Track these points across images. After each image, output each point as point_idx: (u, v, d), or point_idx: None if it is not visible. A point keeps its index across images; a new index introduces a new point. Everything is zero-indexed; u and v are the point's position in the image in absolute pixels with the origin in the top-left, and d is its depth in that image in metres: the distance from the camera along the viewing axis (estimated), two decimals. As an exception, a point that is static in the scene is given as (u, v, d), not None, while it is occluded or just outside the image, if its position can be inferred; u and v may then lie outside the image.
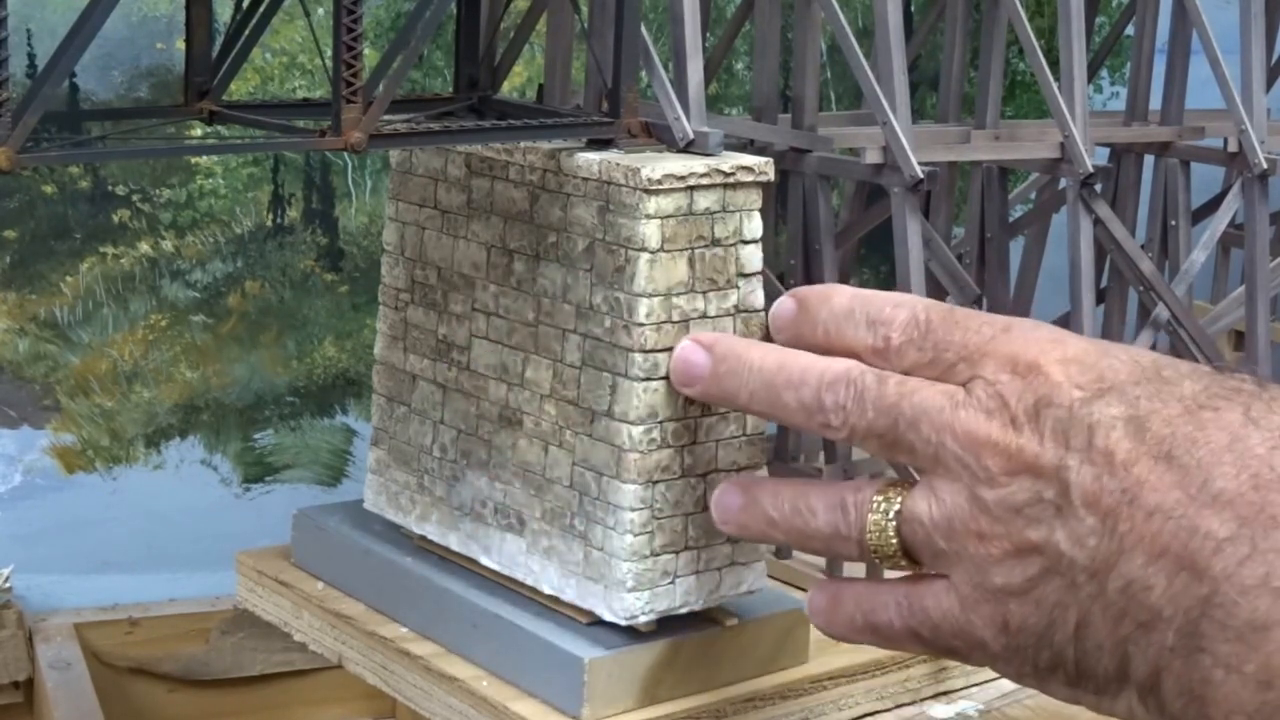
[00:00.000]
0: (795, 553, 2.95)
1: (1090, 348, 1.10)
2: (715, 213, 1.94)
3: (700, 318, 1.85)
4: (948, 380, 1.15)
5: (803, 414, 1.17)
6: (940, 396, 1.12)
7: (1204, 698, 0.96)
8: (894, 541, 1.12)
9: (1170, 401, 1.03)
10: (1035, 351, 1.10)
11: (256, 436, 3.53)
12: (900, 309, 1.20)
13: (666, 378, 1.78)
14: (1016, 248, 3.37)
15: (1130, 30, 3.26)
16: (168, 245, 3.40)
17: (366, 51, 1.76)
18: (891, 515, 1.13)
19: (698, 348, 1.25)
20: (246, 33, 2.00)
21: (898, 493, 1.15)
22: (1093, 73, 3.45)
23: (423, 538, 2.23)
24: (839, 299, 1.28)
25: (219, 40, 2.04)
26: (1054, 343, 1.12)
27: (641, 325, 1.81)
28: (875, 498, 1.14)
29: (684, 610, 1.96)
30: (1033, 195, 3.49)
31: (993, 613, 1.08)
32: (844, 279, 3.31)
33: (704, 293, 1.89)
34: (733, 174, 1.97)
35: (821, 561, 2.75)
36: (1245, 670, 0.93)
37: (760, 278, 1.99)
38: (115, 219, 3.34)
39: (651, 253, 1.87)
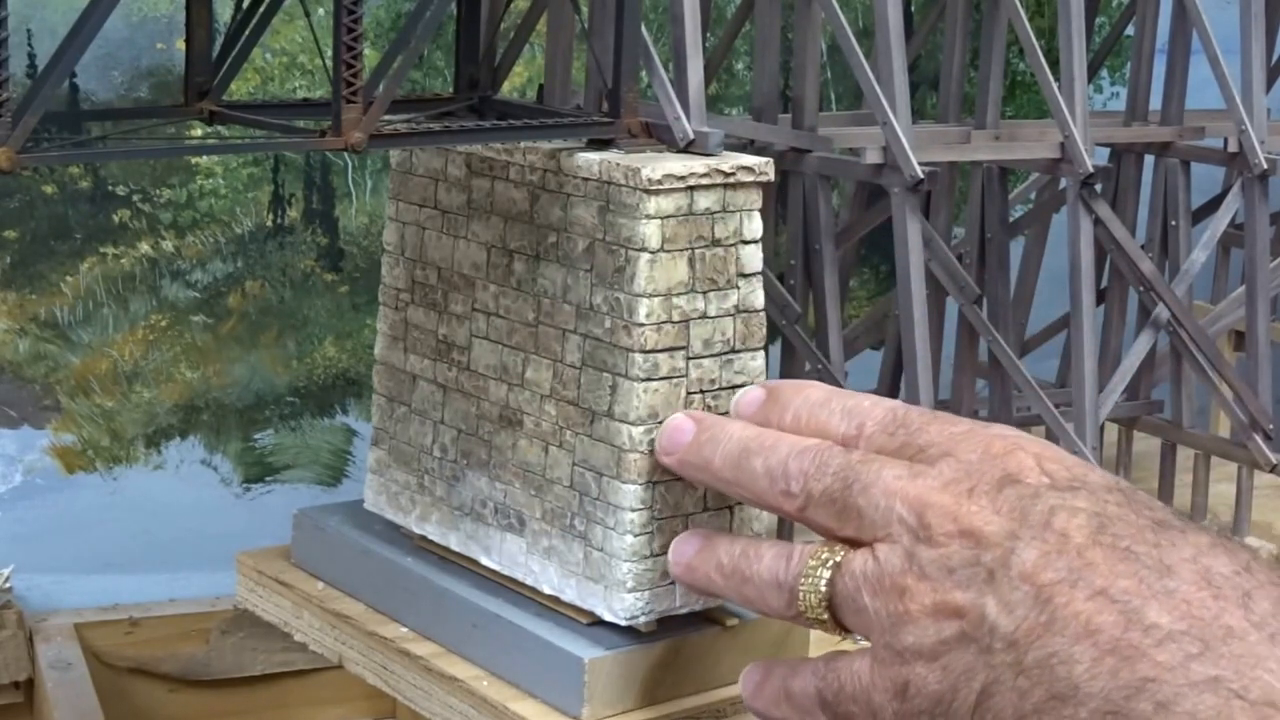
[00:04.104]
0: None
1: (1071, 457, 1.09)
2: (715, 213, 1.94)
3: (700, 318, 1.85)
4: (920, 463, 1.14)
5: (766, 479, 1.16)
6: (900, 467, 1.11)
7: None
8: (823, 590, 1.11)
9: (1141, 513, 1.01)
10: (1013, 441, 1.09)
11: (256, 436, 3.52)
12: (878, 406, 1.19)
13: (667, 378, 1.78)
14: (1016, 248, 3.37)
15: (1130, 30, 3.27)
16: (168, 245, 3.40)
17: (366, 51, 1.76)
18: (829, 564, 1.12)
19: (687, 419, 1.25)
20: (247, 33, 2.00)
21: (843, 549, 1.14)
22: (1093, 73, 3.45)
23: (423, 538, 2.23)
24: (815, 392, 1.28)
25: (219, 40, 2.04)
26: (1035, 441, 1.11)
27: (642, 325, 1.81)
28: (821, 550, 1.14)
29: (684, 610, 1.96)
30: (1033, 195, 3.49)
31: (895, 675, 1.06)
32: (844, 279, 3.31)
33: (704, 293, 1.89)
34: (733, 174, 1.97)
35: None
36: None
37: (760, 278, 1.99)
38: (115, 219, 3.34)
39: (652, 253, 1.87)
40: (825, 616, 1.14)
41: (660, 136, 2.07)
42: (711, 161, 1.98)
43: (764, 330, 2.34)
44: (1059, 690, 0.96)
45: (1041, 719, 0.99)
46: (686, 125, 2.09)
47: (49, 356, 3.29)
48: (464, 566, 2.16)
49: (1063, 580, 1.01)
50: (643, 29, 2.10)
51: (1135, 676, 0.96)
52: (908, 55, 2.75)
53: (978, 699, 1.01)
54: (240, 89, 3.26)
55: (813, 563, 1.15)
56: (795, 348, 2.66)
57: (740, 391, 1.27)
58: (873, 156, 2.55)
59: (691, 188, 1.93)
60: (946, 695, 1.04)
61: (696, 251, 1.91)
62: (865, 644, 1.13)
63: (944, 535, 1.05)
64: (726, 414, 1.48)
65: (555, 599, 2.03)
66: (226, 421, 3.42)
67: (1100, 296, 3.09)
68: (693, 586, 1.27)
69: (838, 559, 1.13)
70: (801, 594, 1.14)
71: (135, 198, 3.29)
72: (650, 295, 1.84)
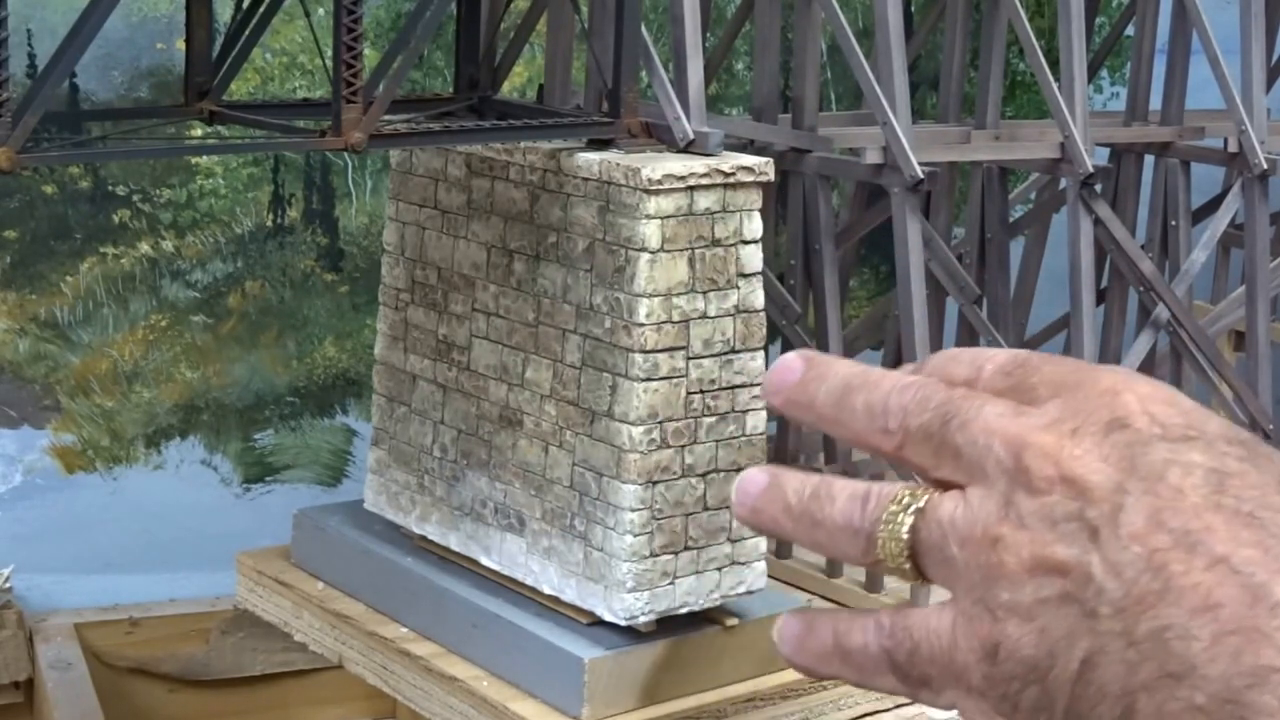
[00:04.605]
0: (795, 553, 2.95)
1: (1187, 400, 1.01)
2: (715, 213, 1.94)
3: (700, 318, 1.85)
4: (1028, 404, 1.06)
5: (866, 416, 1.08)
6: (1003, 405, 1.03)
7: None
8: (904, 539, 1.03)
9: (1265, 470, 0.95)
10: (1124, 380, 1.01)
11: (256, 436, 3.52)
12: (1006, 351, 1.08)
13: (667, 378, 1.77)
14: (1016, 248, 3.37)
15: (1130, 30, 3.27)
16: (168, 245, 3.40)
17: (366, 51, 1.76)
18: (911, 510, 1.04)
19: (798, 358, 1.12)
20: (247, 33, 2.00)
21: (926, 492, 1.06)
22: (1093, 73, 3.45)
23: (423, 538, 2.23)
24: (954, 350, 1.14)
25: (219, 40, 2.04)
26: (1148, 382, 1.02)
27: (642, 325, 1.81)
28: (902, 492, 1.05)
29: (684, 610, 1.96)
30: (1033, 195, 3.49)
31: (987, 634, 1.00)
32: (844, 279, 3.31)
33: (704, 293, 1.89)
34: (733, 174, 1.97)
35: (823, 563, 2.76)
36: None
37: (760, 278, 1.99)
38: (115, 219, 3.33)
39: (652, 253, 1.87)
40: (907, 566, 1.06)
41: (660, 136, 2.07)
42: (711, 161, 1.98)
43: (764, 330, 2.34)
44: (1173, 668, 0.90)
45: (1152, 696, 0.92)
46: (686, 125, 2.09)
47: (49, 356, 3.30)
48: (464, 567, 2.16)
49: (1178, 544, 0.94)
50: (643, 29, 2.10)
51: (1259, 663, 0.90)
52: (908, 55, 2.75)
53: (1080, 668, 0.94)
54: (240, 89, 3.26)
55: (893, 507, 1.05)
56: (795, 348, 2.66)
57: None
58: (873, 156, 2.55)
59: (691, 188, 1.93)
60: (1044, 661, 0.97)
61: (696, 251, 1.91)
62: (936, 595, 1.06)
63: (1044, 480, 0.97)
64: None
65: (555, 599, 2.02)
66: (226, 421, 3.43)
67: (1100, 296, 3.09)
68: (758, 529, 1.15)
69: (921, 503, 1.04)
70: (880, 541, 1.05)
71: (135, 198, 3.29)
72: (650, 295, 1.83)
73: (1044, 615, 0.94)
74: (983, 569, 0.97)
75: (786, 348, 2.72)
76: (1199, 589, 0.88)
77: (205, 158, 3.25)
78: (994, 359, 1.04)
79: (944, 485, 1.06)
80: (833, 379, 1.15)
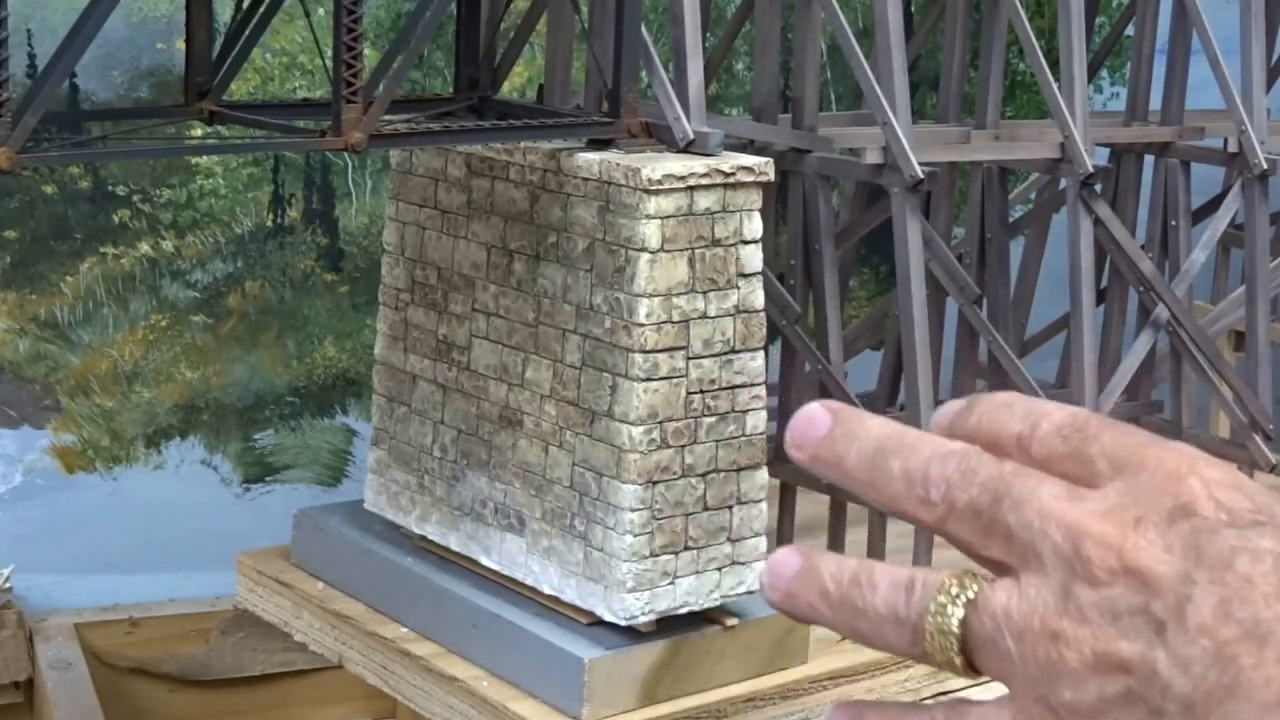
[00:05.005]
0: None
1: (1252, 484, 0.96)
2: (715, 213, 1.94)
3: (700, 318, 1.85)
4: (1086, 479, 1.01)
5: (903, 482, 1.00)
6: (1059, 486, 0.97)
7: None
8: (955, 632, 0.96)
9: None
10: (1189, 462, 0.96)
11: (256, 436, 3.52)
12: (1062, 409, 0.99)
13: (667, 378, 1.78)
14: (1016, 248, 3.37)
15: (1130, 30, 3.27)
16: (168, 245, 3.40)
17: (366, 51, 1.77)
18: (961, 602, 0.97)
19: (824, 410, 1.02)
20: (247, 33, 2.00)
21: (975, 581, 0.98)
22: (1093, 73, 3.45)
23: (423, 538, 2.23)
24: (1003, 395, 1.04)
25: (219, 40, 2.04)
26: (1213, 464, 0.97)
27: (642, 325, 1.81)
28: (949, 581, 0.98)
29: (684, 610, 1.96)
30: (1033, 195, 3.49)
31: None
32: (844, 279, 3.31)
33: (704, 293, 1.89)
34: (733, 174, 1.97)
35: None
36: None
37: (760, 278, 1.99)
38: (115, 219, 3.33)
39: (652, 253, 1.87)
40: (958, 661, 0.98)
41: (660, 136, 2.07)
42: (711, 161, 1.98)
43: (764, 330, 2.34)
44: None
45: None
46: (686, 125, 2.09)
47: (49, 356, 3.30)
48: (464, 566, 2.16)
49: (1248, 636, 0.89)
50: (643, 29, 2.10)
51: None
52: (908, 55, 2.75)
53: None
54: (240, 89, 3.26)
55: (941, 597, 0.98)
56: (795, 348, 2.66)
57: (941, 409, 1.06)
58: (873, 156, 2.55)
59: (691, 188, 1.93)
60: None
61: (696, 251, 1.91)
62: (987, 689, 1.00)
63: (1106, 572, 0.91)
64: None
65: (555, 599, 2.03)
66: (226, 421, 3.43)
67: (1100, 296, 3.09)
68: (793, 615, 1.05)
69: (971, 594, 0.97)
70: (929, 633, 0.98)
71: (135, 198, 3.29)
72: (650, 295, 1.83)
73: (1108, 715, 0.89)
74: (1042, 665, 0.91)
75: (787, 348, 2.72)
76: (1272, 684, 0.83)
77: (205, 158, 3.25)
78: (1050, 416, 0.97)
79: (991, 563, 1.00)
80: (865, 438, 1.06)
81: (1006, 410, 1.01)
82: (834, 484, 1.10)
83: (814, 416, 1.10)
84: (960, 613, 0.95)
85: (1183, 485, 0.91)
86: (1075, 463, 0.96)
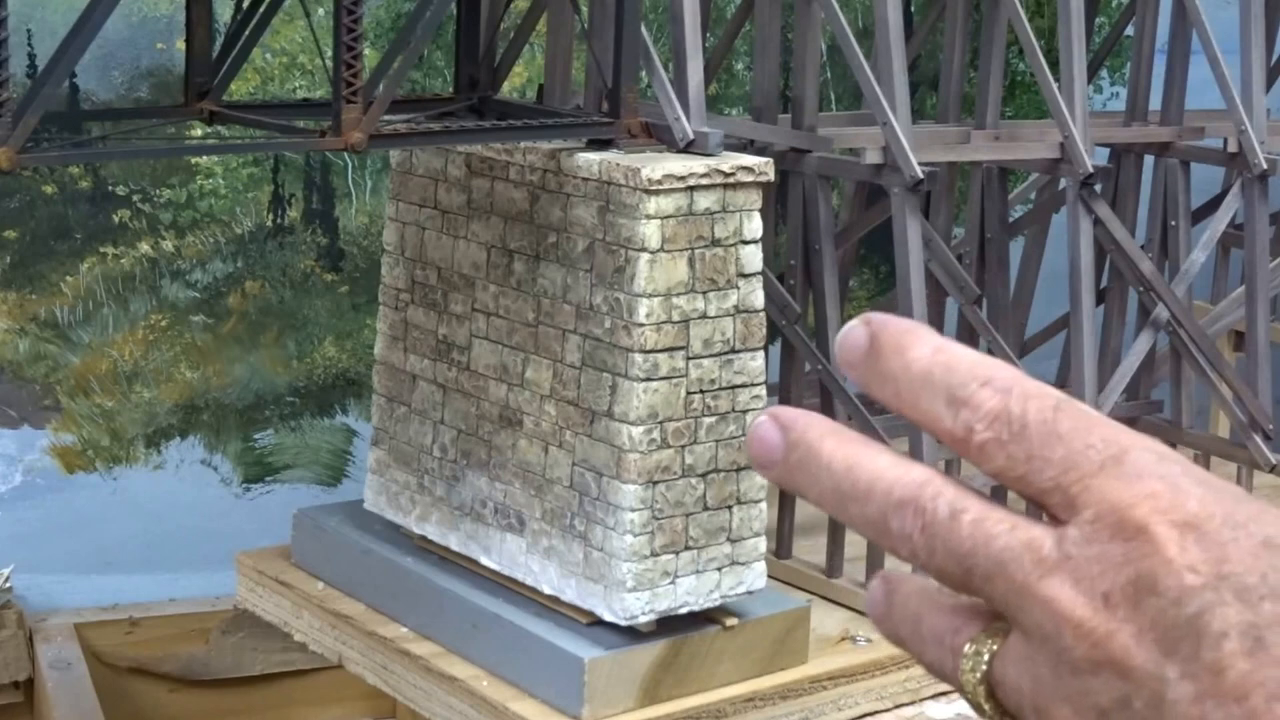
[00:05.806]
0: (795, 553, 2.95)
1: (1216, 503, 0.93)
2: (715, 213, 1.94)
3: (700, 318, 1.85)
4: (1039, 502, 1.01)
5: (871, 531, 1.00)
6: (1021, 549, 0.96)
7: None
8: (986, 707, 0.98)
9: None
10: (1148, 509, 0.94)
11: (256, 436, 3.52)
12: (990, 390, 0.98)
13: (667, 378, 1.78)
14: (1016, 248, 3.37)
15: (1130, 30, 3.27)
16: (168, 245, 3.40)
17: (366, 51, 1.77)
18: (980, 676, 0.98)
19: (773, 426, 1.00)
20: (247, 33, 2.00)
21: (988, 646, 0.99)
22: (1093, 73, 3.45)
23: (423, 538, 2.23)
24: (916, 353, 1.02)
25: (219, 40, 2.04)
26: (1173, 493, 0.95)
27: (642, 325, 1.81)
28: (967, 650, 0.99)
29: (684, 610, 1.96)
30: (1033, 195, 3.49)
31: None
32: (844, 279, 3.31)
33: (704, 293, 1.89)
34: (733, 174, 1.97)
35: (822, 563, 2.76)
36: None
37: (760, 278, 1.99)
38: (115, 219, 3.33)
39: (652, 253, 1.87)
40: (989, 711, 1.00)
41: (660, 136, 2.07)
42: (711, 162, 1.98)
43: (764, 330, 2.34)
44: None
45: None
46: (686, 125, 2.09)
47: (49, 356, 3.30)
48: (464, 566, 2.16)
49: None
50: (643, 29, 2.10)
51: None
52: (908, 55, 2.75)
53: None
54: (240, 89, 3.26)
55: (966, 674, 1.01)
56: (795, 348, 2.66)
57: (845, 332, 1.02)
58: (873, 157, 2.55)
59: (691, 188, 1.94)
60: None
61: (696, 251, 1.91)
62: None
63: (1087, 663, 0.93)
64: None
65: (555, 599, 2.03)
66: (226, 421, 3.43)
67: (1100, 296, 3.09)
68: (889, 640, 1.09)
69: (984, 664, 0.99)
70: (969, 701, 1.01)
71: (135, 198, 3.29)
72: (650, 295, 1.84)
73: None
74: None
75: (787, 348, 2.72)
76: None
77: (205, 158, 3.25)
78: (980, 410, 0.94)
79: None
80: (821, 474, 1.06)
81: (927, 390, 0.98)
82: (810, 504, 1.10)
83: (763, 437, 1.08)
84: (983, 690, 0.97)
85: (1141, 541, 0.91)
86: (1022, 485, 0.96)
